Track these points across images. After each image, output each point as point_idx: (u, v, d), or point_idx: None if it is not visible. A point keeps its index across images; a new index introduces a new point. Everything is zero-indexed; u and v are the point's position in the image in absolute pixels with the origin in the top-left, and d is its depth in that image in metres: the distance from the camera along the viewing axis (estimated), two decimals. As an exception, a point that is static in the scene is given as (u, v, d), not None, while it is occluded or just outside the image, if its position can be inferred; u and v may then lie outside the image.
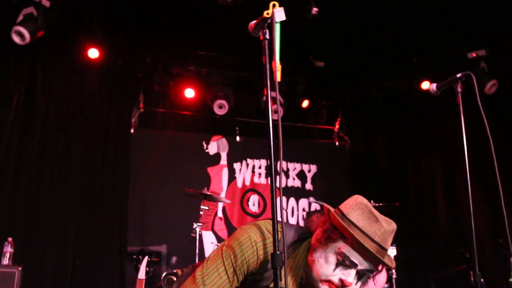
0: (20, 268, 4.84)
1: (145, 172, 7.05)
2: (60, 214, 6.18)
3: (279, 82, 2.00)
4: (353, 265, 2.01)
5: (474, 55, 6.53)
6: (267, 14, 2.00)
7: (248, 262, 2.05)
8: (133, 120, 7.11)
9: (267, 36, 2.01)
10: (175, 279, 2.33)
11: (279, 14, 2.00)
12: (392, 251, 5.49)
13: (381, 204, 5.61)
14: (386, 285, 5.36)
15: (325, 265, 2.04)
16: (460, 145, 2.79)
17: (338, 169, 8.09)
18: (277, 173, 1.89)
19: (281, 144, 1.92)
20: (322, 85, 7.54)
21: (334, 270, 2.02)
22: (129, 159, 6.93)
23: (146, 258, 4.44)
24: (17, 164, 5.95)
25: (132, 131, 7.07)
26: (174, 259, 6.52)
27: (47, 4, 5.69)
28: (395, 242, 5.53)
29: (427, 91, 6.30)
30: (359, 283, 2.06)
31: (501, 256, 5.00)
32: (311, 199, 7.27)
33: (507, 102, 6.39)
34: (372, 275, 2.08)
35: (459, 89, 2.72)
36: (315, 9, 5.61)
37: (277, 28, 2.01)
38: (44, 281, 5.91)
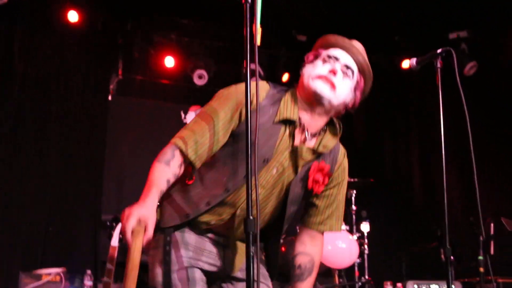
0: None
1: (122, 139, 7.00)
2: (35, 181, 6.12)
3: (259, 54, 1.96)
4: (336, 59, 2.22)
5: (456, 35, 6.55)
6: None
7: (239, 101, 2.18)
8: (111, 87, 7.03)
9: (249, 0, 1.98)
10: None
11: None
12: (365, 227, 5.56)
13: (356, 179, 5.64)
14: (358, 260, 5.44)
15: (312, 68, 2.24)
16: (437, 124, 2.80)
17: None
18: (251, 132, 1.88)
19: (258, 114, 1.91)
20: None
21: (321, 67, 2.22)
22: (106, 126, 6.87)
23: (119, 225, 4.41)
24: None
25: (110, 98, 6.99)
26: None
27: (27, -37, 5.58)
28: (368, 219, 5.60)
29: (406, 69, 6.26)
30: (345, 79, 2.22)
31: (472, 235, 5.08)
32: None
33: (485, 84, 6.45)
34: (356, 79, 2.25)
35: (438, 65, 2.73)
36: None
37: None
38: (17, 248, 5.88)
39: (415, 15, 6.52)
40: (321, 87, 2.16)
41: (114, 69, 7.08)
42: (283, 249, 4.87)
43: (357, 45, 2.29)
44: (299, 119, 2.21)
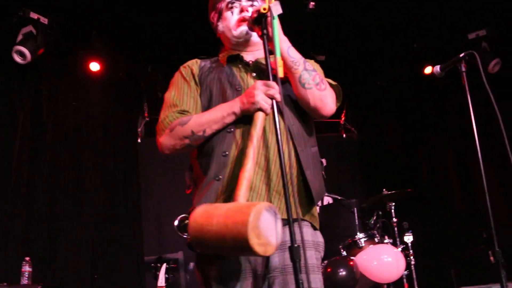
0: (39, 287, 4.85)
1: (156, 180, 7.05)
2: (76, 230, 6.17)
3: (281, 78, 2.02)
4: (237, 0, 2.40)
5: (475, 35, 6.51)
6: (264, 9, 2.03)
7: (189, 67, 2.40)
8: (139, 129, 7.12)
9: (265, 32, 2.04)
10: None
11: (276, 8, 2.04)
12: (409, 238, 5.48)
13: (393, 192, 5.59)
14: (406, 272, 5.35)
15: (225, 22, 2.43)
16: (469, 126, 2.78)
17: (348, 161, 8.07)
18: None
19: (278, 130, 1.94)
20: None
21: (232, 15, 2.40)
22: (138, 168, 6.95)
23: (164, 265, 4.45)
24: (29, 183, 5.94)
25: (139, 140, 7.08)
26: (191, 265, 6.52)
27: (45, 21, 5.72)
28: (410, 230, 5.52)
29: (431, 75, 6.23)
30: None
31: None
32: (323, 193, 7.21)
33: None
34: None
35: (463, 69, 2.71)
36: (312, 3, 5.62)
37: (275, 23, 2.03)
38: (65, 298, 5.93)
39: (431, 20, 6.50)
40: (248, 28, 2.31)
41: (140, 111, 7.18)
42: (328, 270, 4.82)
43: None
44: (242, 57, 2.38)
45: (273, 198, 2.11)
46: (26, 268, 5.13)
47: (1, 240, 5.58)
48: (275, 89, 2.03)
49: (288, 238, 1.83)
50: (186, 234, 2.17)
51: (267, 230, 1.72)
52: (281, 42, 2.13)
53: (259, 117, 2.05)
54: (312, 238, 2.24)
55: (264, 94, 2.05)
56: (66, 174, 6.30)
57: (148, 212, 6.84)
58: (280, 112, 2.04)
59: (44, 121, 6.25)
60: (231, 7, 2.40)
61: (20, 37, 5.66)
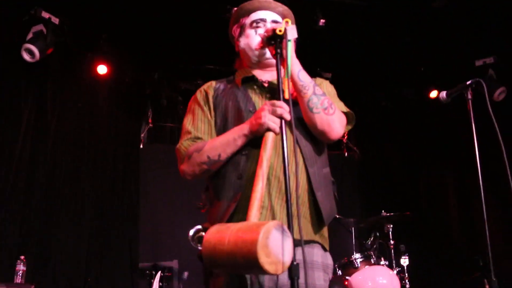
0: (32, 287, 4.84)
1: (155, 186, 7.04)
2: (72, 232, 6.17)
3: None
4: (263, 20, 2.39)
5: (482, 62, 6.52)
6: (280, 31, 2.03)
7: (204, 90, 2.41)
8: (142, 135, 7.13)
9: (279, 52, 2.04)
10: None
11: (292, 32, 2.03)
12: (404, 261, 5.45)
13: (391, 214, 5.57)
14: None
15: (247, 39, 2.40)
16: (472, 152, 2.78)
17: (348, 179, 8.05)
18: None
19: (285, 149, 1.94)
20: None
21: (256, 36, 2.36)
22: (139, 174, 6.94)
23: (159, 273, 4.44)
24: (28, 182, 5.96)
25: (141, 146, 7.08)
26: (185, 274, 6.47)
27: (56, 21, 5.73)
28: (407, 253, 5.50)
29: (435, 99, 6.26)
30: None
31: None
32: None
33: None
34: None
35: (469, 96, 2.72)
36: (322, 21, 5.65)
37: (290, 45, 2.03)
38: (57, 300, 5.91)
39: (439, 45, 6.52)
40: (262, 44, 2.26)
41: (144, 118, 7.19)
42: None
43: None
44: (257, 78, 2.37)
45: (285, 218, 2.10)
46: (21, 267, 5.13)
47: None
48: (284, 109, 2.02)
49: (300, 257, 1.83)
50: (199, 245, 2.19)
51: (277, 249, 1.73)
52: (293, 65, 2.11)
53: (269, 137, 2.05)
54: (322, 260, 2.23)
55: (272, 114, 2.05)
56: (65, 175, 6.31)
57: (146, 218, 6.83)
58: (291, 130, 2.07)
59: (47, 121, 6.26)
60: (256, 26, 2.39)
61: (30, 35, 5.67)
